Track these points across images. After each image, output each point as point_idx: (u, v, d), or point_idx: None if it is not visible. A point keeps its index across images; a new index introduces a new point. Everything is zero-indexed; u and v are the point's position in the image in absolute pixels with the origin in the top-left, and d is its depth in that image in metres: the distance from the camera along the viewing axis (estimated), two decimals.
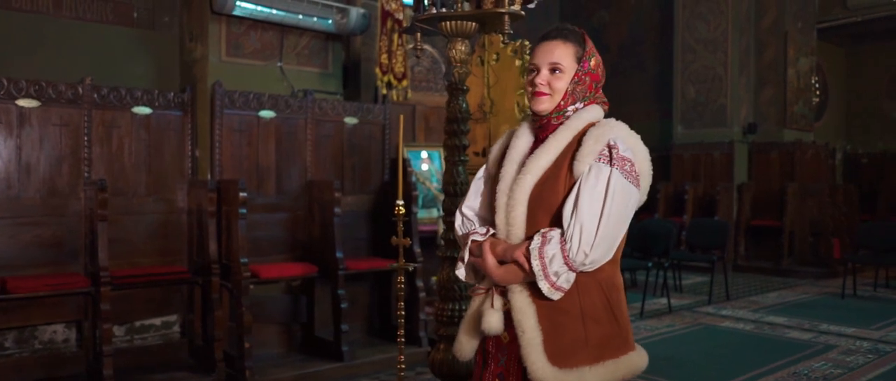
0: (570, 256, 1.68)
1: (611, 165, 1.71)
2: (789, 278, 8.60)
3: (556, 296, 1.73)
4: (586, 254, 1.68)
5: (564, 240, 1.69)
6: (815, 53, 10.45)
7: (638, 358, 1.84)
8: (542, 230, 1.74)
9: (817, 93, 10.92)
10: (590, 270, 1.74)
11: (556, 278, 1.71)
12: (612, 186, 1.69)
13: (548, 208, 1.77)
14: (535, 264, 1.70)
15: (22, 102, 4.07)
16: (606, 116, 1.89)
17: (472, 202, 2.01)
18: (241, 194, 4.23)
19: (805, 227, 9.16)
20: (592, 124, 1.80)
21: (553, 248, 1.70)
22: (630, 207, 1.75)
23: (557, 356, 1.75)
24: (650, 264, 6.48)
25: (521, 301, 1.78)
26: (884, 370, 4.63)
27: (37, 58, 4.69)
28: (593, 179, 1.71)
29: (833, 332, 5.71)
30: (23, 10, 4.69)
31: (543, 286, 1.71)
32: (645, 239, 6.61)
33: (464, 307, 2.83)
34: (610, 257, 1.75)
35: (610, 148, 1.73)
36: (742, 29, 9.65)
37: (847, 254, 8.19)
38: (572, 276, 1.72)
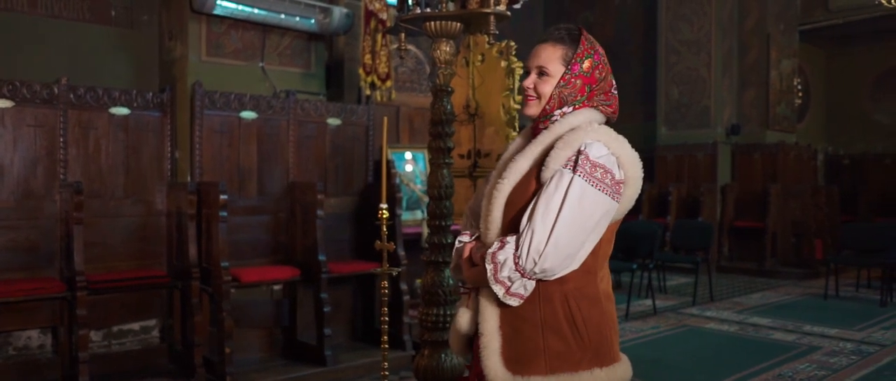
0: (520, 262, 1.66)
1: (574, 171, 1.67)
2: (772, 278, 8.64)
3: (513, 302, 1.71)
4: (535, 261, 1.64)
5: (518, 246, 1.67)
6: (797, 55, 10.52)
7: (605, 376, 1.74)
8: (505, 236, 1.73)
9: (799, 94, 11.00)
10: (546, 278, 1.70)
11: (509, 283, 1.69)
12: (571, 194, 1.64)
13: (517, 213, 1.74)
14: (488, 267, 1.70)
15: None
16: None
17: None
18: (222, 197, 4.18)
19: (788, 228, 9.21)
20: (574, 129, 1.76)
21: (506, 253, 1.68)
22: (596, 216, 1.68)
23: (514, 362, 1.74)
24: (635, 266, 6.48)
25: (485, 304, 1.77)
26: (867, 371, 4.65)
27: (11, 57, 4.58)
28: (553, 186, 1.67)
29: (816, 333, 5.73)
30: None
31: (498, 291, 1.70)
32: (629, 241, 6.61)
33: (448, 312, 2.80)
34: (571, 266, 1.70)
35: (578, 154, 1.68)
36: (725, 31, 9.69)
37: (829, 255, 8.23)
38: (530, 283, 1.69)
